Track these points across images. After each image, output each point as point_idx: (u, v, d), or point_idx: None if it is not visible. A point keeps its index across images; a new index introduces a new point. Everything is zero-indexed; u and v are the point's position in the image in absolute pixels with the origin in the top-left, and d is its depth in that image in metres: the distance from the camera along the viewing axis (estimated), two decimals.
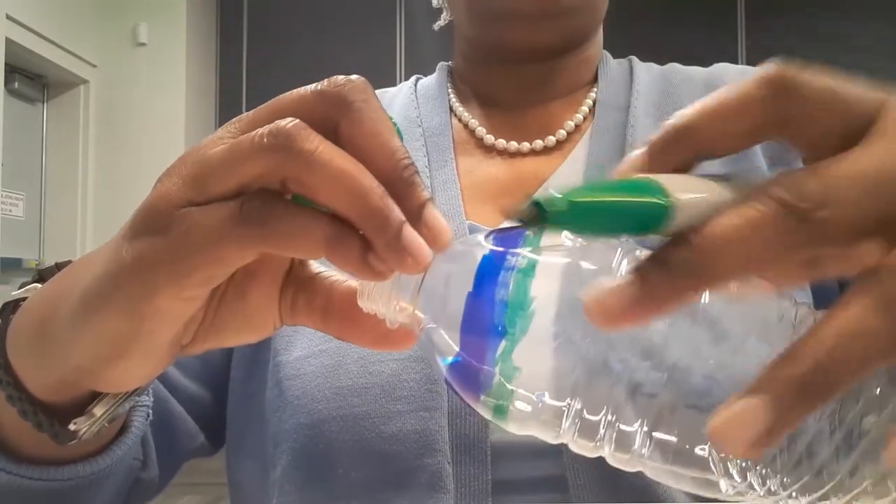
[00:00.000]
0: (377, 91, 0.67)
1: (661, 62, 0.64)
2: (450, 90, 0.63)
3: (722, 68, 0.62)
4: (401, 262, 0.25)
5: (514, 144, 0.58)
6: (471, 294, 0.26)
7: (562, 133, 0.57)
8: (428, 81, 0.65)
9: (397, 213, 0.25)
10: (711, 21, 3.85)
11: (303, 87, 0.27)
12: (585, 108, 0.59)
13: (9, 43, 3.16)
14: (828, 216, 0.21)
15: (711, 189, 0.23)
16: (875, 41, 3.72)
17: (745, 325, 0.25)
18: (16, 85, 3.42)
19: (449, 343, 0.27)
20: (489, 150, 0.58)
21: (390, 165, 0.26)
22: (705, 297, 0.25)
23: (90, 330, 0.29)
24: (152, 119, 3.79)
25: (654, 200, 0.22)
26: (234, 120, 0.28)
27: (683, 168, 0.25)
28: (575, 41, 0.59)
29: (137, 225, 0.28)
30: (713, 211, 0.22)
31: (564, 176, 0.55)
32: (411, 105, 0.61)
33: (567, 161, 0.56)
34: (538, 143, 0.57)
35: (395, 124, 0.28)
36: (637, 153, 0.25)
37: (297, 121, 0.25)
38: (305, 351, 0.49)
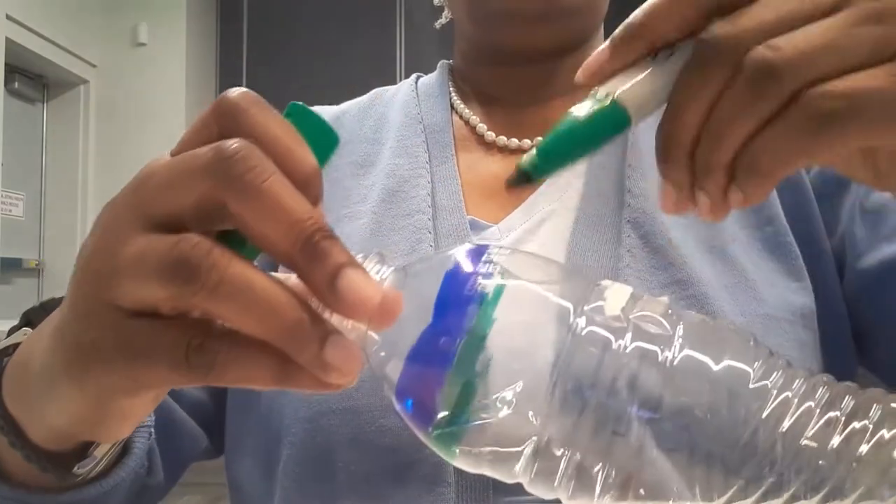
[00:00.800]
0: (377, 90, 0.68)
1: None
2: (451, 88, 0.63)
3: None
4: (328, 378, 0.24)
5: (514, 141, 0.58)
6: (427, 326, 0.26)
7: None
8: (429, 79, 0.65)
9: (315, 330, 0.24)
10: None
11: (186, 162, 0.24)
12: None
13: (9, 43, 3.16)
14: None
15: (644, 67, 0.27)
16: None
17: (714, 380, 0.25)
18: (16, 85, 3.42)
19: (398, 373, 0.26)
20: (490, 146, 0.59)
21: (290, 242, 0.24)
22: (675, 350, 0.25)
23: (57, 405, 0.29)
24: (152, 119, 3.79)
25: (602, 104, 0.26)
26: (141, 199, 0.26)
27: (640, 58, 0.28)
28: (575, 42, 0.59)
29: (71, 325, 0.26)
30: (660, 88, 0.26)
31: (565, 173, 0.55)
32: (412, 102, 0.62)
33: None
34: (538, 140, 0.57)
35: (324, 126, 0.26)
36: (600, 50, 0.29)
37: (200, 243, 0.23)
38: None
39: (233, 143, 0.24)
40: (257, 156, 0.24)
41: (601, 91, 0.27)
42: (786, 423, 0.23)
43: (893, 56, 0.25)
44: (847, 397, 0.24)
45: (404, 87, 0.65)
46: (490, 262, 0.27)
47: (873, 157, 0.29)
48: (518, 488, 0.46)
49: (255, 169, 0.23)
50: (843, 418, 0.23)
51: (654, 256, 0.49)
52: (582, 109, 0.27)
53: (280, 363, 0.24)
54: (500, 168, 0.57)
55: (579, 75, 0.28)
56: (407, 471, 0.45)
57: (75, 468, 0.34)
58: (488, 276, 0.26)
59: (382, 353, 0.27)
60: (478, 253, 0.27)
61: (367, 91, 0.68)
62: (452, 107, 0.62)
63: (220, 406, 0.56)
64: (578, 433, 0.24)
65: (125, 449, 0.42)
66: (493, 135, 0.58)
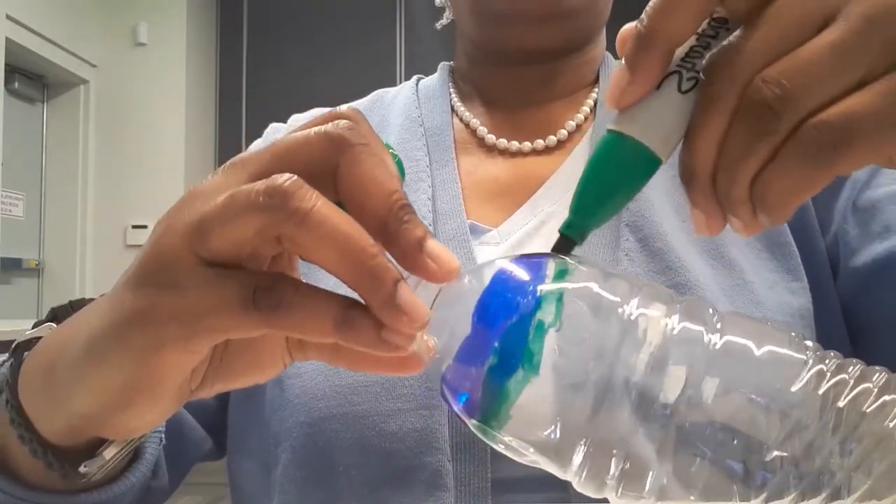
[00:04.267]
0: (377, 91, 0.68)
1: None
2: (451, 90, 0.63)
3: None
4: (397, 320, 0.25)
5: (515, 144, 0.58)
6: (477, 328, 0.26)
7: (563, 133, 0.58)
8: (429, 81, 0.65)
9: (391, 273, 0.25)
10: None
11: (306, 130, 0.27)
12: (587, 109, 0.59)
13: (9, 43, 3.17)
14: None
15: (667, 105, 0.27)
16: None
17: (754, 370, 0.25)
18: (16, 85, 3.42)
19: (455, 375, 0.27)
20: (490, 149, 0.58)
21: (386, 206, 0.26)
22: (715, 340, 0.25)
23: (94, 379, 0.29)
24: (152, 119, 3.79)
25: (636, 156, 0.26)
26: (236, 161, 0.28)
27: (664, 65, 0.27)
28: (577, 43, 0.59)
29: (142, 275, 0.27)
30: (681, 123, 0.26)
31: (565, 175, 0.55)
32: (413, 104, 0.62)
33: (568, 160, 0.56)
34: (539, 143, 0.57)
35: (396, 158, 0.28)
36: (619, 73, 0.28)
37: (294, 178, 0.25)
38: None
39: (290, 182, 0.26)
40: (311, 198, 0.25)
41: (623, 126, 0.27)
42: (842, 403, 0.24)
43: (890, 68, 0.25)
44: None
45: (405, 89, 0.65)
46: (542, 268, 0.27)
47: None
48: (518, 491, 0.46)
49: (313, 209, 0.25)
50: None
51: (652, 260, 0.49)
52: (605, 154, 0.27)
53: (343, 311, 0.25)
54: (500, 171, 0.57)
55: (609, 103, 0.28)
56: (407, 475, 0.45)
57: (81, 467, 0.34)
58: (540, 279, 0.26)
59: (438, 355, 0.27)
60: (531, 262, 0.28)
61: (368, 92, 0.68)
62: (453, 109, 0.62)
63: (224, 408, 0.56)
64: (627, 434, 0.25)
65: (136, 454, 0.41)
66: (494, 137, 0.58)
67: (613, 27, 0.66)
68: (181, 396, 0.31)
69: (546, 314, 0.25)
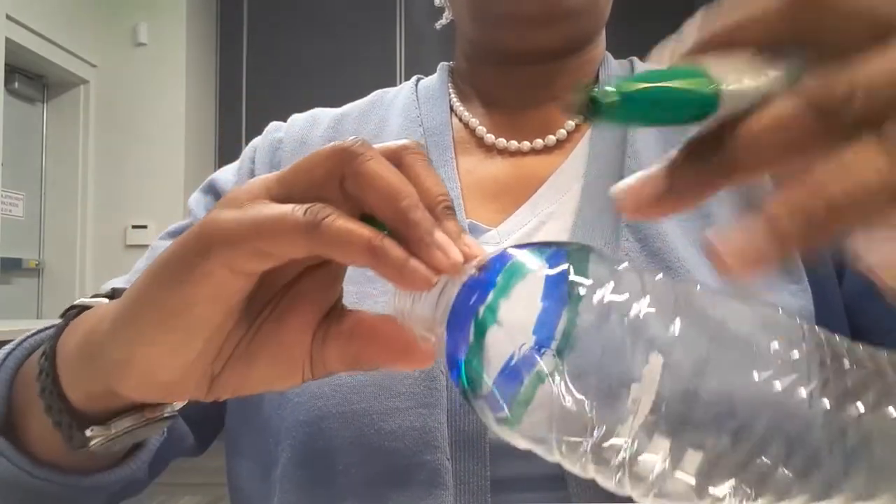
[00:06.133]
0: (377, 91, 0.68)
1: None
2: (451, 90, 0.63)
3: None
4: (431, 254, 0.27)
5: (514, 144, 0.58)
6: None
7: (562, 132, 0.58)
8: (429, 81, 0.65)
9: (430, 220, 0.28)
10: None
11: (320, 150, 0.30)
12: None
13: (9, 43, 3.17)
14: (854, 109, 0.21)
15: (756, 73, 0.23)
16: None
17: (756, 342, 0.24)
18: (16, 85, 3.43)
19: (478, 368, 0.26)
20: (489, 149, 0.59)
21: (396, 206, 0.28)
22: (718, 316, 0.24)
23: (142, 298, 0.31)
24: (152, 119, 3.80)
25: (703, 89, 0.23)
26: (272, 178, 0.30)
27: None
28: (577, 43, 0.59)
29: (217, 204, 0.30)
30: (754, 102, 0.23)
31: (565, 175, 0.55)
32: (412, 105, 0.62)
33: (568, 160, 0.56)
34: (538, 143, 0.58)
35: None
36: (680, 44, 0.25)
37: (359, 140, 0.29)
38: None
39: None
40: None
41: (711, 69, 0.23)
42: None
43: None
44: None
45: (405, 89, 0.65)
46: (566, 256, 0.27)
47: None
48: (517, 491, 0.46)
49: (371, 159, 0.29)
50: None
51: (651, 260, 0.49)
52: (677, 75, 0.23)
53: (377, 236, 0.27)
54: (499, 171, 0.57)
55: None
56: (406, 474, 0.45)
57: (87, 430, 0.36)
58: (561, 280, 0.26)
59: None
60: (553, 252, 0.27)
61: (367, 92, 0.68)
62: (452, 109, 0.62)
63: (208, 405, 0.56)
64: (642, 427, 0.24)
65: (138, 444, 0.43)
66: (493, 137, 0.58)
67: (613, 27, 0.67)
68: (198, 379, 0.32)
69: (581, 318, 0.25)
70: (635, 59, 0.64)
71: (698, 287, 0.27)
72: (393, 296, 0.31)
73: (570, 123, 0.58)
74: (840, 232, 0.21)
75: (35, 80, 3.63)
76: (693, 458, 0.24)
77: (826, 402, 0.23)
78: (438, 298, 0.28)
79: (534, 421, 0.26)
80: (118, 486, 0.43)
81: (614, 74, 0.62)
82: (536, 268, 0.27)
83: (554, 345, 0.25)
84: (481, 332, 0.26)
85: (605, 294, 0.25)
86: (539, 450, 0.27)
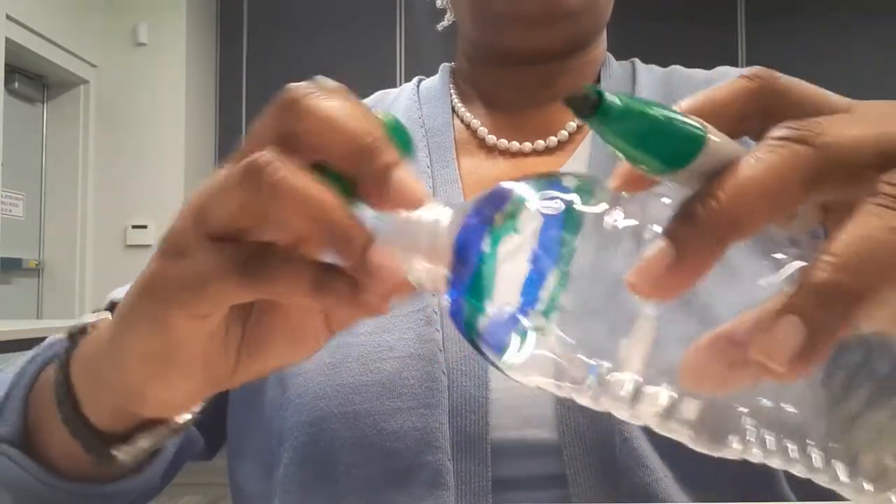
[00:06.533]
0: (378, 92, 0.68)
1: (664, 64, 0.64)
2: (452, 91, 0.63)
3: (723, 71, 0.62)
4: (369, 281, 0.27)
5: (515, 144, 0.58)
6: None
7: (564, 134, 0.58)
8: (430, 82, 0.65)
9: (361, 237, 0.26)
10: (713, 23, 3.86)
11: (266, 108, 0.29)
12: None
13: (9, 43, 3.17)
14: (832, 140, 0.22)
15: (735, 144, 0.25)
16: (877, 36, 3.74)
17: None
18: (16, 85, 3.43)
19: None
20: (491, 150, 0.59)
21: (346, 144, 0.27)
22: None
23: (122, 349, 0.31)
24: (152, 119, 3.80)
25: (695, 128, 0.24)
26: (234, 151, 0.30)
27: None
28: (578, 44, 0.59)
29: (159, 249, 0.30)
30: (735, 156, 0.23)
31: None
32: (413, 105, 0.62)
33: (569, 161, 0.56)
34: (540, 144, 0.58)
35: (395, 124, 0.28)
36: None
37: (263, 154, 0.27)
38: None
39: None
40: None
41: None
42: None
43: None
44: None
45: (406, 90, 0.65)
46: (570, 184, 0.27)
47: None
48: (518, 491, 0.46)
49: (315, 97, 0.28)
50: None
51: None
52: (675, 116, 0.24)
53: (319, 275, 0.27)
54: (501, 171, 0.57)
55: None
56: (408, 474, 0.45)
57: (113, 450, 0.36)
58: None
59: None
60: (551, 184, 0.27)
61: (368, 92, 0.68)
62: (454, 110, 0.62)
63: (218, 409, 0.56)
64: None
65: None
66: (495, 138, 0.58)
67: (614, 28, 0.67)
68: (215, 376, 0.32)
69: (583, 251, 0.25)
70: (636, 60, 0.64)
71: None
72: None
73: (572, 125, 0.58)
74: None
75: (35, 80, 3.63)
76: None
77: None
78: (435, 235, 0.28)
79: (537, 361, 0.26)
80: (137, 494, 0.44)
81: (616, 76, 0.62)
82: (534, 204, 0.26)
83: (540, 305, 0.25)
84: (482, 274, 0.26)
85: (605, 222, 0.25)
86: (546, 385, 0.27)
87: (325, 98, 0.27)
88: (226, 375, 0.32)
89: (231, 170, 0.27)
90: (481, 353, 0.27)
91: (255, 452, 0.53)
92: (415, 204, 0.27)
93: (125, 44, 3.85)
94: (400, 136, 0.29)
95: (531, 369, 0.26)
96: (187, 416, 0.38)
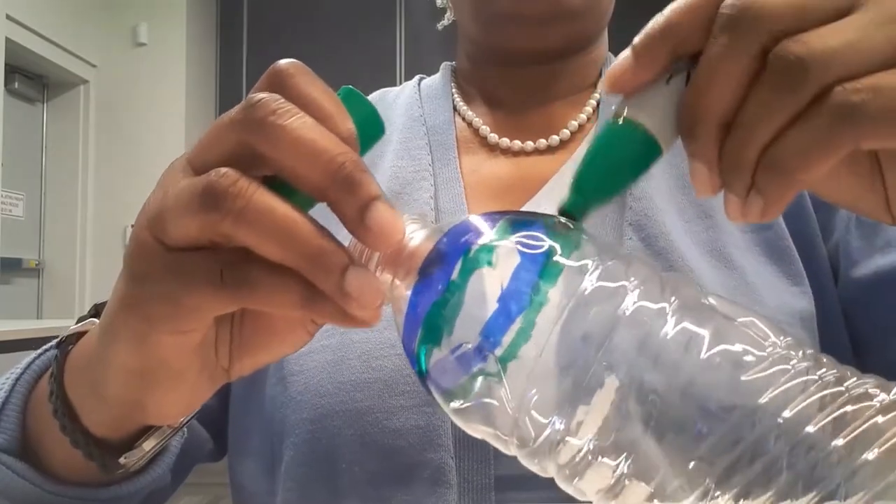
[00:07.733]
0: (379, 91, 0.68)
1: None
2: (454, 89, 0.63)
3: None
4: (349, 306, 0.25)
5: (517, 143, 0.58)
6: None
7: (565, 133, 0.58)
8: (432, 81, 0.65)
9: (336, 261, 0.25)
10: None
11: (219, 120, 0.27)
12: (589, 109, 0.59)
13: (9, 43, 3.17)
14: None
15: (661, 92, 0.26)
16: None
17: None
18: (16, 85, 3.43)
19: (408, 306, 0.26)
20: (493, 148, 0.59)
21: (319, 174, 0.25)
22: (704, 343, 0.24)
23: (113, 364, 0.31)
24: (152, 119, 3.80)
25: (646, 143, 0.25)
26: (187, 156, 0.28)
27: (664, 67, 0.27)
28: (579, 44, 0.59)
29: (126, 265, 0.29)
30: (675, 101, 0.26)
31: (567, 175, 0.55)
32: (415, 104, 0.62)
33: (570, 160, 0.56)
34: (542, 143, 0.58)
35: (377, 120, 0.28)
36: (624, 58, 0.28)
37: (226, 174, 0.25)
38: (308, 347, 0.49)
39: (258, 94, 0.26)
40: (281, 102, 0.26)
41: (625, 112, 0.26)
42: (787, 413, 0.22)
43: None
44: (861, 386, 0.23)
45: (407, 88, 0.65)
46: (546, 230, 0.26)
47: (883, 185, 0.29)
48: (520, 489, 0.46)
49: (278, 111, 0.25)
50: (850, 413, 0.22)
51: (654, 259, 0.49)
52: (609, 139, 0.26)
53: (307, 288, 0.25)
54: (502, 170, 0.57)
55: (605, 86, 0.28)
56: (410, 472, 0.45)
57: (122, 458, 0.36)
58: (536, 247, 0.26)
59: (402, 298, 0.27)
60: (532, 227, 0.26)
61: (367, 92, 0.68)
62: (455, 108, 0.62)
63: (224, 408, 0.56)
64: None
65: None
66: (496, 137, 0.58)
67: (615, 28, 0.67)
68: (211, 376, 0.32)
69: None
70: None
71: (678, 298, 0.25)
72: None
73: (574, 124, 0.58)
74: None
75: (35, 80, 3.63)
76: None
77: (801, 423, 0.22)
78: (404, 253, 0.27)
79: (484, 409, 0.25)
80: (145, 493, 0.44)
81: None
82: (515, 241, 0.26)
83: (499, 350, 0.24)
84: (445, 303, 0.25)
85: (584, 281, 0.24)
86: (488, 437, 0.26)
87: (291, 117, 0.25)
88: (222, 375, 0.33)
89: (190, 185, 0.26)
90: (425, 385, 0.26)
91: (256, 450, 0.53)
92: (393, 244, 0.26)
93: (125, 44, 3.85)
94: (372, 121, 0.28)
95: (476, 416, 0.25)
96: (186, 418, 0.38)
